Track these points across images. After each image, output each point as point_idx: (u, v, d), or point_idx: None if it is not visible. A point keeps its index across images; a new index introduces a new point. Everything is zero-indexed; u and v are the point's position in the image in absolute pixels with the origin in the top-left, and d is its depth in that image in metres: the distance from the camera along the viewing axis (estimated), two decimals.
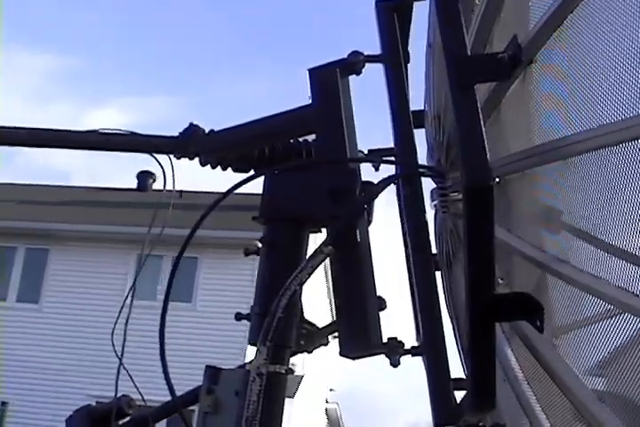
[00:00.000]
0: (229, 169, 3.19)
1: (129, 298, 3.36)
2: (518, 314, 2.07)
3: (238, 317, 2.80)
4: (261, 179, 2.89)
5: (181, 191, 22.04)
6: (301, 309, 2.80)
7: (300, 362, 20.00)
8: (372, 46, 2.91)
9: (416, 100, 3.11)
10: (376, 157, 2.70)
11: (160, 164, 3.13)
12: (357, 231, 2.67)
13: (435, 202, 2.87)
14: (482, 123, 1.89)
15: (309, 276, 2.55)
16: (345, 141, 2.76)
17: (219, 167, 3.18)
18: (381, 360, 2.63)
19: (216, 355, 16.43)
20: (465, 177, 1.88)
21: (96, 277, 19.63)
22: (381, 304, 2.70)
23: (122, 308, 3.20)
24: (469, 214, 1.91)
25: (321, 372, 23.33)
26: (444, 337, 2.59)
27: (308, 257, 2.58)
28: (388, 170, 2.83)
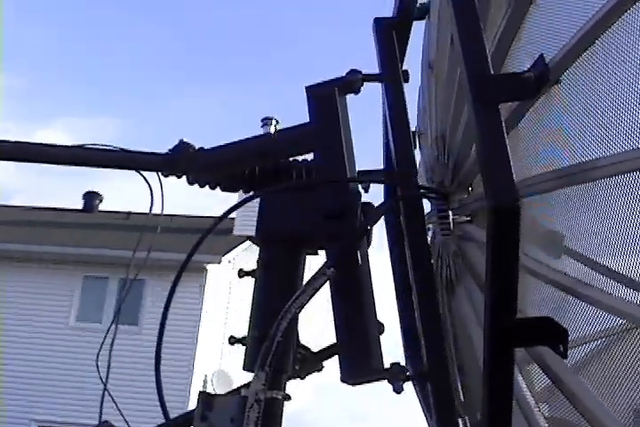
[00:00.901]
0: (218, 188, 3.09)
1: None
2: (541, 339, 2.00)
3: (232, 340, 2.69)
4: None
5: (129, 213, 21.96)
6: (297, 333, 2.70)
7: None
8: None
9: None
10: (377, 177, 2.61)
11: (148, 182, 3.01)
12: (358, 253, 2.59)
13: (431, 225, 2.80)
14: (506, 142, 1.83)
15: (310, 298, 2.47)
16: (345, 161, 2.69)
17: (207, 186, 3.08)
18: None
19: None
20: (491, 197, 1.82)
21: (41, 298, 19.22)
22: (380, 328, 2.62)
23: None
24: (495, 236, 1.84)
25: None
26: (448, 364, 2.51)
27: (309, 279, 2.49)
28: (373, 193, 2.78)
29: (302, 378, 2.81)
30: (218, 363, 19.23)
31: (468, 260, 2.47)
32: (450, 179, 2.59)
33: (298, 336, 2.71)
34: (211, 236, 2.59)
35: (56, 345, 18.60)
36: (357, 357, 2.52)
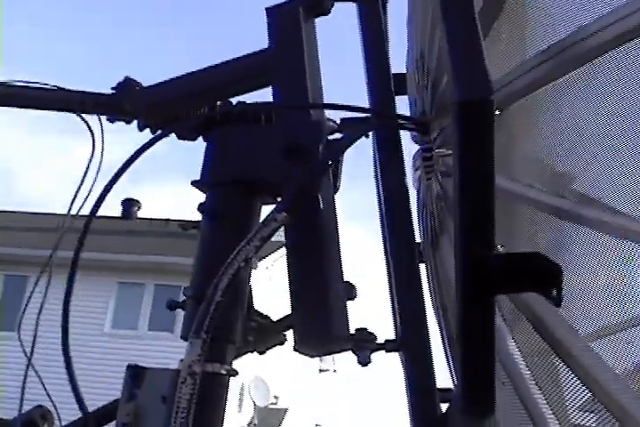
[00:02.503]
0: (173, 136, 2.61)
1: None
2: (527, 283, 1.48)
3: (172, 305, 2.20)
4: None
5: (167, 219, 21.59)
6: (250, 295, 2.20)
7: (284, 394, 19.28)
8: None
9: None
10: (345, 106, 2.11)
11: (89, 127, 2.54)
12: (319, 197, 2.09)
13: (417, 169, 2.29)
14: (478, 27, 1.34)
15: (257, 250, 2.00)
16: (307, 90, 2.19)
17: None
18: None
19: None
20: (457, 87, 1.33)
21: (76, 304, 18.93)
22: (350, 291, 2.11)
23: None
24: (462, 139, 1.35)
25: (307, 405, 22.56)
26: (427, 330, 2.00)
27: (257, 227, 2.00)
28: None
29: (262, 353, 2.31)
30: (255, 370, 18.78)
31: (449, 199, 1.97)
32: (429, 102, 2.09)
33: (251, 300, 2.22)
34: None
35: (91, 352, 18.25)
36: (314, 322, 2.03)
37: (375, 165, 2.83)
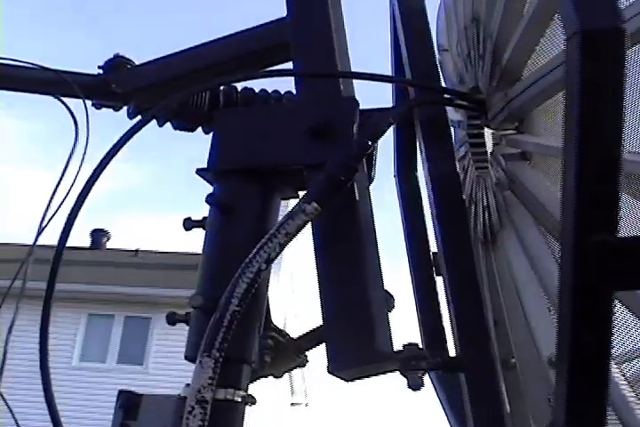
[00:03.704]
0: (168, 125, 2.22)
1: None
2: None
3: (171, 319, 1.80)
4: None
5: (137, 251, 21.07)
6: (268, 306, 1.81)
7: None
8: None
9: None
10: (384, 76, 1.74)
11: (72, 114, 2.13)
12: (355, 187, 1.71)
13: (463, 155, 1.91)
14: None
15: (282, 249, 1.60)
16: (336, 63, 1.82)
17: (154, 123, 2.21)
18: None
19: None
20: (578, 13, 0.98)
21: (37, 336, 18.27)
22: (389, 301, 1.72)
23: None
24: (583, 81, 0.98)
25: None
26: (492, 347, 1.62)
27: (280, 221, 1.61)
28: None
29: (278, 376, 1.91)
30: None
31: (521, 185, 1.60)
32: (488, 75, 1.72)
33: (269, 312, 1.82)
34: None
35: (59, 385, 17.62)
36: (354, 337, 1.63)
37: (398, 162, 2.47)
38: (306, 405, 24.24)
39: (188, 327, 1.78)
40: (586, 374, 1.11)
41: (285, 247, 1.62)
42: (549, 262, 1.57)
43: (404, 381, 1.61)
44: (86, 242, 21.22)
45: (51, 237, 1.94)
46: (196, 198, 1.87)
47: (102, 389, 16.54)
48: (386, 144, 2.05)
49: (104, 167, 1.73)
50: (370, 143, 1.67)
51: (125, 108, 2.20)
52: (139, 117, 2.19)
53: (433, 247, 2.35)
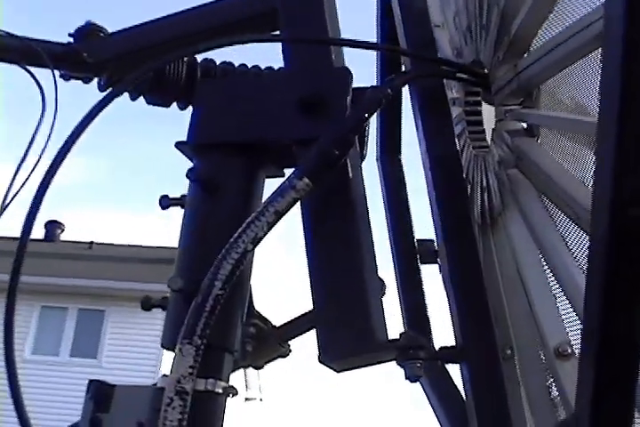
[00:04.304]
0: (141, 99, 2.08)
1: None
2: None
3: (146, 305, 1.66)
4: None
5: (91, 243, 20.75)
6: (251, 291, 1.68)
7: None
8: None
9: None
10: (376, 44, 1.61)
11: (39, 85, 1.97)
12: (348, 163, 1.58)
13: (459, 134, 1.79)
14: None
15: (270, 228, 1.47)
16: (327, 29, 1.69)
17: (126, 95, 2.07)
18: None
19: None
20: None
21: None
22: (381, 287, 1.59)
23: None
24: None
25: None
26: (495, 336, 1.50)
27: (268, 197, 1.48)
28: None
29: (259, 367, 1.78)
30: None
31: (530, 161, 1.48)
32: (492, 46, 1.60)
33: (251, 298, 1.69)
34: None
35: None
36: (348, 323, 1.51)
37: (381, 145, 2.35)
38: (260, 400, 24.06)
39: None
40: (614, 363, 1.01)
41: (274, 226, 1.49)
42: (560, 246, 1.46)
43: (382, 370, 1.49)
44: (40, 234, 20.84)
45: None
46: (149, 194, 1.72)
47: (55, 382, 16.27)
48: None
49: (70, 147, 1.58)
50: (367, 116, 1.55)
51: (96, 80, 2.05)
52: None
53: (417, 235, 2.25)
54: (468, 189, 1.78)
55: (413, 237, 2.18)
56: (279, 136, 1.66)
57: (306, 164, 1.51)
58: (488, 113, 1.76)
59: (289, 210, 1.49)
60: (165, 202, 1.75)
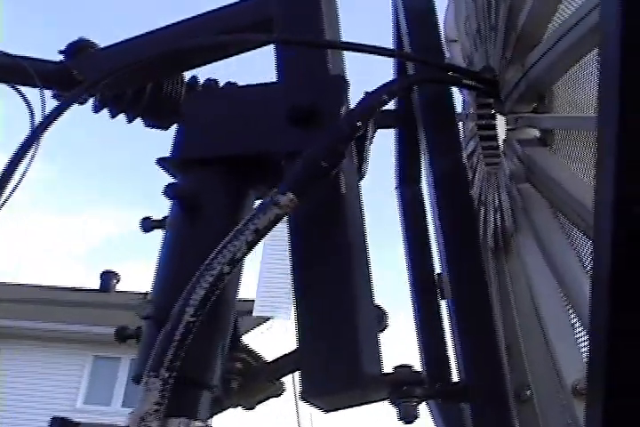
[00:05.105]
0: (139, 122, 1.95)
1: None
2: None
3: (120, 335, 1.50)
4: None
5: (147, 293, 20.69)
6: (236, 320, 1.50)
7: None
8: None
9: None
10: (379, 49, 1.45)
11: (29, 104, 1.85)
12: (341, 178, 1.42)
13: (472, 151, 1.61)
14: None
15: (250, 248, 1.30)
16: (324, 35, 1.54)
17: (123, 117, 1.94)
18: None
19: None
20: None
21: (47, 378, 17.90)
22: (381, 319, 1.41)
23: None
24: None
25: None
26: (505, 372, 1.30)
27: (249, 215, 1.31)
28: None
29: (250, 408, 1.60)
30: None
31: (542, 172, 1.30)
32: (501, 46, 1.43)
33: (237, 327, 1.52)
34: None
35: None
36: (335, 358, 1.32)
37: (399, 171, 2.18)
38: None
39: None
40: (625, 397, 0.82)
41: (255, 246, 1.32)
42: (576, 268, 1.27)
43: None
44: (96, 284, 20.94)
45: None
46: None
47: None
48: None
49: (20, 157, 1.43)
50: (359, 124, 1.38)
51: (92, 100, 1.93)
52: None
53: (438, 268, 2.07)
54: (482, 210, 1.60)
55: (433, 271, 2.01)
56: (268, 149, 1.51)
57: (290, 177, 1.35)
58: (502, 127, 1.59)
59: (271, 228, 1.32)
60: (147, 224, 1.60)
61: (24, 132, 1.83)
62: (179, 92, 1.88)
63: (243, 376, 1.54)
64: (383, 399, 1.32)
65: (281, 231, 1.47)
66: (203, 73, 1.92)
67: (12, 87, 1.91)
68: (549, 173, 1.30)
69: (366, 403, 1.34)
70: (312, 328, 1.37)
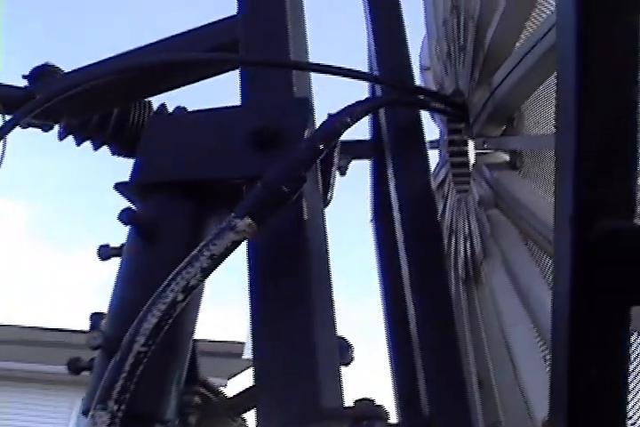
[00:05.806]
0: (105, 149, 1.90)
1: None
2: None
3: (73, 366, 1.43)
4: None
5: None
6: (194, 351, 1.43)
7: None
8: None
9: None
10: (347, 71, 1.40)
11: None
12: (304, 203, 1.36)
13: (443, 179, 1.56)
14: None
15: (206, 275, 1.23)
16: (288, 52, 1.49)
17: (88, 145, 1.89)
18: None
19: None
20: None
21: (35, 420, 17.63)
22: (345, 352, 1.34)
23: None
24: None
25: None
26: (469, 406, 1.24)
27: (204, 241, 1.25)
28: None
29: None
30: None
31: (509, 196, 1.24)
32: (470, 65, 1.38)
33: (195, 361, 1.44)
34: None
35: None
36: (289, 389, 1.25)
37: (374, 202, 2.12)
38: None
39: None
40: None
41: (210, 273, 1.26)
42: (545, 297, 1.21)
43: None
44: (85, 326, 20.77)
45: None
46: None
47: None
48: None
49: None
50: (321, 147, 1.32)
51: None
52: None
53: None
54: (453, 239, 1.54)
55: None
56: (229, 174, 1.45)
57: (248, 201, 1.29)
58: (473, 152, 1.54)
59: (228, 255, 1.26)
60: (105, 252, 1.53)
61: None
62: (147, 119, 1.83)
63: (201, 411, 1.46)
64: None
65: None
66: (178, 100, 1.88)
67: None
68: (517, 197, 1.25)
69: None
70: (269, 361, 1.30)
